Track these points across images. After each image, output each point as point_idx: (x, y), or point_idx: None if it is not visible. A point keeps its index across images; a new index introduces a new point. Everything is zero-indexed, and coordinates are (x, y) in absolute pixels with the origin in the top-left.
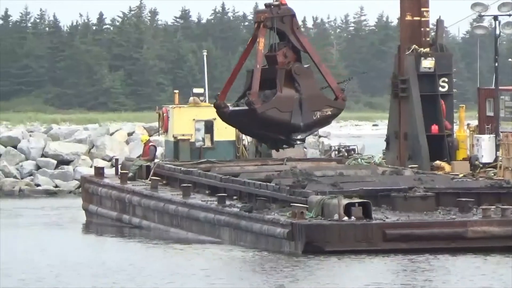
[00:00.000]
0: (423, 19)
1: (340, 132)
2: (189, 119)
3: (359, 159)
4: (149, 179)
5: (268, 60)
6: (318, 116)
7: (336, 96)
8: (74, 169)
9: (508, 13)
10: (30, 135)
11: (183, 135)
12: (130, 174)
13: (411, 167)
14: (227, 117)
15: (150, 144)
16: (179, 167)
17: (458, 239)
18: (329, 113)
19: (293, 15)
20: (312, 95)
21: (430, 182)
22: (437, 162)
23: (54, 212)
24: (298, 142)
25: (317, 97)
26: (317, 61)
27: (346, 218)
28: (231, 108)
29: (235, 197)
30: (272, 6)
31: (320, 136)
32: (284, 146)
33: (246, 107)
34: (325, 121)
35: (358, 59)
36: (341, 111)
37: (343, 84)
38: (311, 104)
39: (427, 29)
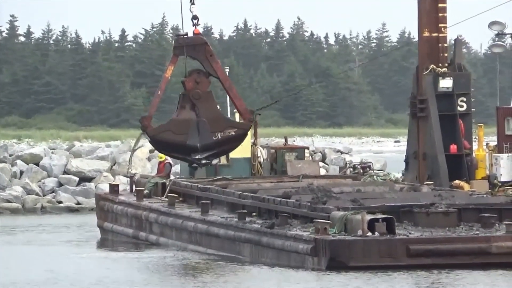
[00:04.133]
0: (441, 35)
1: (362, 148)
2: None
3: (374, 176)
4: (165, 196)
5: (183, 86)
6: (220, 137)
7: (244, 118)
8: (96, 186)
9: None
10: (52, 152)
11: None
12: (146, 191)
13: (427, 184)
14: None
15: (166, 161)
16: (195, 184)
17: (482, 255)
18: (233, 133)
19: (205, 43)
20: (211, 118)
21: (450, 198)
22: (456, 181)
23: (71, 230)
24: (204, 161)
25: (217, 119)
26: (228, 85)
27: (369, 233)
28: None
29: (254, 214)
30: (181, 36)
31: (342, 153)
32: (193, 165)
33: None
34: (232, 141)
35: (380, 75)
36: (247, 131)
37: (264, 109)
38: (210, 126)
39: (445, 45)
